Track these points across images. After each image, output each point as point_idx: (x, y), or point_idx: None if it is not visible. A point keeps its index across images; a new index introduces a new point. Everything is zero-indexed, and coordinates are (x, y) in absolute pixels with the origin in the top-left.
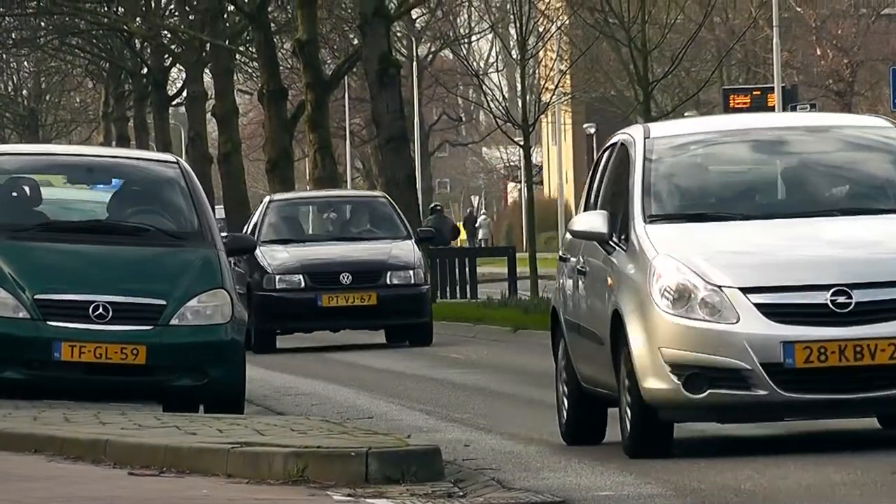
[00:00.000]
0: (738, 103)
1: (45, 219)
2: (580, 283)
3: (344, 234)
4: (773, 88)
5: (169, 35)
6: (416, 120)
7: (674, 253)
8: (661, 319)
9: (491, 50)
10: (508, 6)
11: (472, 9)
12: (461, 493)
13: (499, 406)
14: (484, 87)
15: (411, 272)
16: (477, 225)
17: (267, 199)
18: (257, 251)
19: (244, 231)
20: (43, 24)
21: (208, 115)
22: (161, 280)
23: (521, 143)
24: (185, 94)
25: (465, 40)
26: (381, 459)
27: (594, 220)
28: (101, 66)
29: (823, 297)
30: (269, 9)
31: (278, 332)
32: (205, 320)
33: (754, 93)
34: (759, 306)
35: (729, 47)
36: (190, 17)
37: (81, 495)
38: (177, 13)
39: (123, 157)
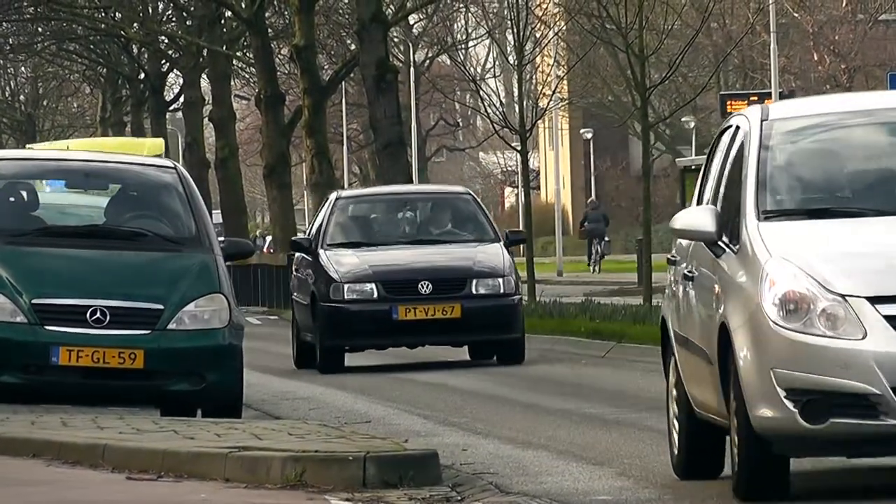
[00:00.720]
0: (735, 109)
1: (42, 223)
2: (688, 290)
3: (422, 236)
4: (770, 94)
5: (166, 40)
6: (414, 125)
7: (790, 256)
8: (773, 335)
9: (488, 55)
10: (506, 12)
11: (470, 14)
12: (459, 498)
13: (497, 410)
14: (481, 92)
15: (500, 280)
16: None
17: (333, 195)
18: (322, 256)
19: (307, 233)
20: (40, 29)
21: (205, 121)
22: (159, 285)
23: (519, 148)
24: (182, 99)
25: (463, 46)
26: (378, 464)
27: (700, 217)
28: (99, 71)
29: None
30: (267, 14)
31: (347, 349)
32: (202, 325)
33: (752, 98)
34: (890, 319)
35: (726, 53)
36: (187, 23)
37: (79, 500)
38: (174, 19)
39: (121, 163)
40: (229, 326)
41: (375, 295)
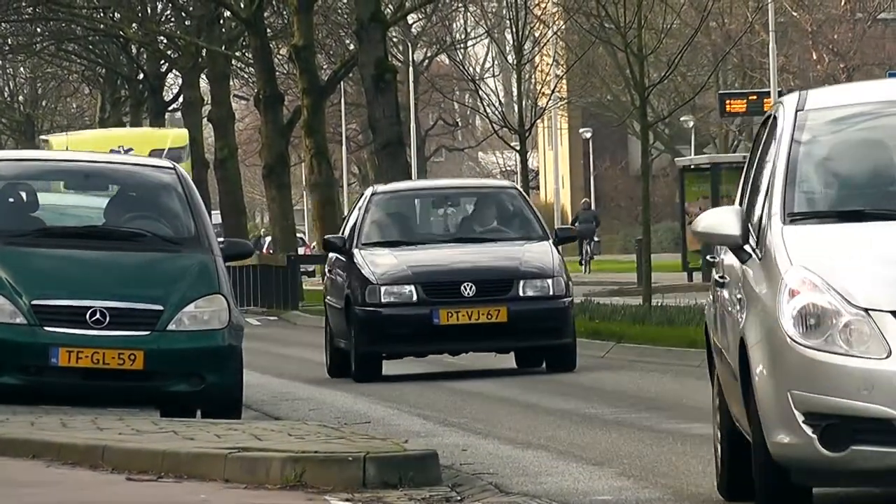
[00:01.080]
0: (734, 108)
1: (41, 224)
2: (720, 297)
3: (464, 233)
4: (769, 93)
5: (165, 41)
6: (413, 125)
7: (813, 264)
8: (791, 353)
9: (487, 55)
10: (504, 11)
11: (468, 14)
12: (459, 498)
13: (496, 410)
14: (480, 92)
15: (549, 281)
16: None
17: (369, 190)
18: (357, 256)
19: (341, 231)
20: (39, 29)
21: (204, 121)
22: (158, 285)
23: (518, 147)
24: (181, 99)
25: (461, 45)
26: (378, 464)
27: (723, 219)
28: (98, 71)
29: None
30: (266, 14)
31: (384, 357)
32: (202, 325)
33: (750, 97)
34: None
35: (725, 52)
36: (186, 23)
37: (79, 501)
38: (173, 19)
39: (120, 163)
40: (229, 327)
41: (415, 298)
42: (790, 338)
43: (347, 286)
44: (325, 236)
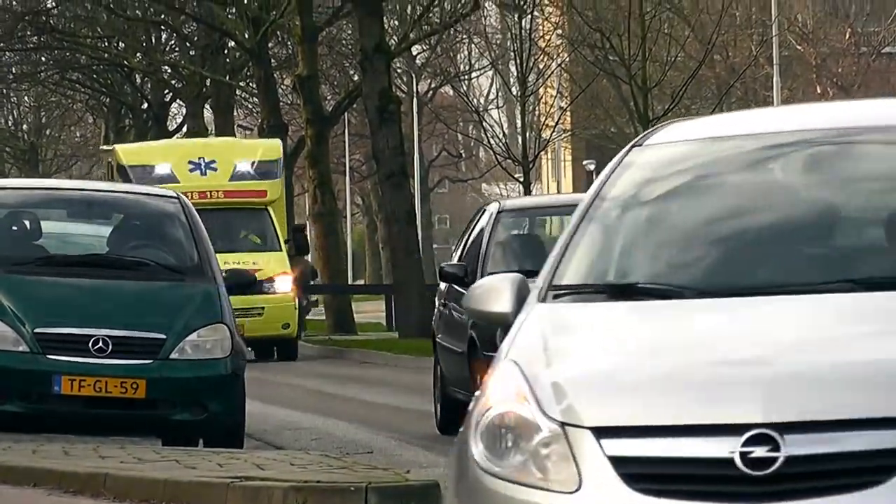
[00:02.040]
0: None
1: (45, 252)
2: None
3: None
4: None
5: (169, 70)
6: (416, 156)
7: (529, 360)
8: (475, 481)
9: (491, 86)
10: (509, 43)
11: (473, 45)
12: None
13: None
14: (484, 123)
15: None
16: None
17: (494, 206)
18: None
19: (457, 257)
20: (43, 59)
21: None
22: (161, 314)
23: (521, 179)
24: (185, 129)
25: (466, 77)
26: (380, 494)
27: (496, 289)
28: (102, 100)
29: (730, 449)
30: (270, 44)
31: None
32: (204, 354)
33: None
34: (616, 462)
35: (729, 85)
36: (190, 53)
37: None
38: (177, 49)
39: (124, 192)
40: (231, 356)
41: None
42: (475, 460)
43: (472, 327)
44: (442, 264)
